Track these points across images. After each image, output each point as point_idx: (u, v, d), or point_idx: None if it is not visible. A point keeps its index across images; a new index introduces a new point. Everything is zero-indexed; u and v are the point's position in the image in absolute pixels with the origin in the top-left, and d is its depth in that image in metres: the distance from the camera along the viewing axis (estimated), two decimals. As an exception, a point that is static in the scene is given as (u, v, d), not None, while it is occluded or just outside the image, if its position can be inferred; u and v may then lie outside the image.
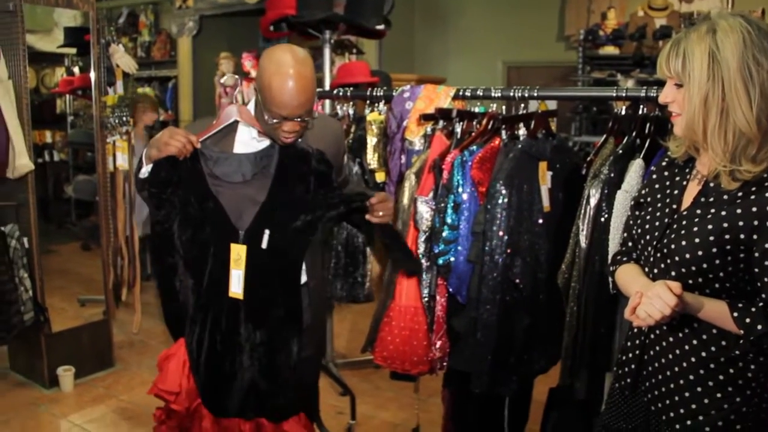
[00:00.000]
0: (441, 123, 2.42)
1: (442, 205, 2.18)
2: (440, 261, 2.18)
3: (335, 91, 2.93)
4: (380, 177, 2.75)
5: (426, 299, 2.28)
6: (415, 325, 2.29)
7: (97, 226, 4.20)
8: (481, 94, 2.43)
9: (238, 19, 7.22)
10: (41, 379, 3.84)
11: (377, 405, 3.66)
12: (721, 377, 1.57)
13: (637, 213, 1.76)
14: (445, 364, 2.31)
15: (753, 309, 1.49)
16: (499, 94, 2.38)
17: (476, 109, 2.46)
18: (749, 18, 1.49)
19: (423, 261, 2.25)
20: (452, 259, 2.18)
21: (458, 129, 2.36)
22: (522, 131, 2.30)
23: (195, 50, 7.07)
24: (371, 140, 2.73)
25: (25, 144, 3.49)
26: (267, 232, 2.00)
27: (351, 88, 2.99)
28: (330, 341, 3.90)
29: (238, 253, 2.00)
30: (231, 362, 2.05)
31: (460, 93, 2.48)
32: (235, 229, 2.00)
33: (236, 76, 3.97)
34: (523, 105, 2.38)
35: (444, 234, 2.17)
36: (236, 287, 2.01)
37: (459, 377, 2.29)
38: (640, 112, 2.19)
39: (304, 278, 2.11)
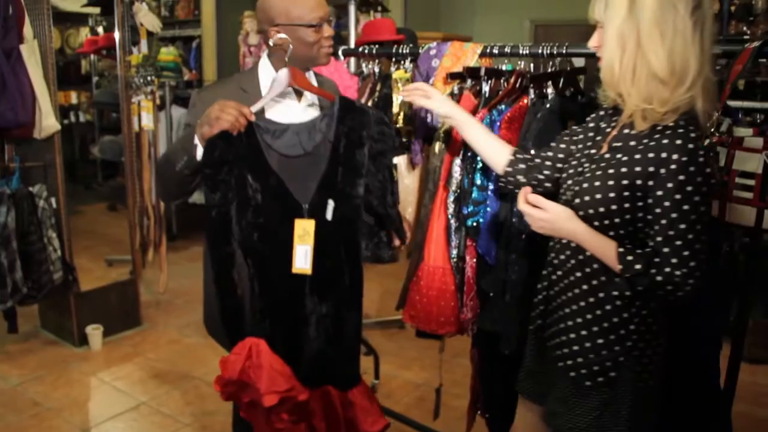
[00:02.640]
0: (469, 82, 2.38)
1: (472, 165, 2.15)
2: (469, 222, 2.16)
3: (361, 49, 2.88)
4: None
5: (455, 260, 2.26)
6: (443, 286, 2.28)
7: (123, 187, 4.23)
8: (508, 51, 2.37)
9: (262, -23, 7.13)
10: (71, 338, 3.92)
11: (401, 365, 3.69)
12: (605, 324, 1.63)
13: (565, 139, 1.83)
14: (475, 324, 2.30)
15: (639, 251, 1.53)
16: (527, 52, 2.32)
17: (504, 67, 2.41)
18: None
19: (452, 222, 2.23)
20: (481, 220, 2.15)
21: (486, 88, 2.32)
22: (550, 90, 2.25)
23: (219, 9, 7.00)
24: (397, 99, 2.69)
25: (51, 104, 3.51)
26: (331, 202, 1.90)
27: (377, 46, 2.94)
28: (354, 302, 3.90)
29: (304, 228, 1.89)
30: (298, 336, 1.97)
31: (488, 50, 2.43)
32: (298, 204, 1.90)
33: (261, 35, 3.91)
34: (551, 63, 2.33)
35: (473, 195, 2.14)
36: (302, 263, 1.90)
37: (487, 337, 2.29)
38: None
39: None
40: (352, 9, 3.60)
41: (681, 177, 1.46)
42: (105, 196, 6.06)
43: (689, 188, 1.46)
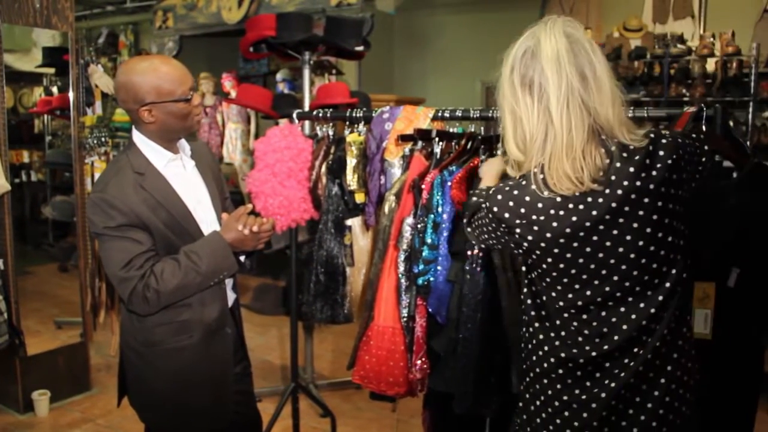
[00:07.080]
0: (420, 144, 2.43)
1: (422, 225, 2.19)
2: (420, 281, 2.18)
3: (315, 112, 2.93)
4: (360, 198, 2.75)
5: (405, 320, 2.27)
6: (392, 346, 2.28)
7: (74, 247, 4.16)
8: (459, 114, 2.45)
9: (218, 39, 7.23)
10: (15, 404, 3.78)
11: (358, 426, 3.64)
12: None
13: None
14: (426, 384, 2.30)
15: None
16: (478, 115, 2.40)
17: (454, 130, 2.48)
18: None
19: (403, 281, 2.25)
20: (432, 279, 2.18)
21: (437, 149, 2.37)
22: (500, 151, 2.31)
23: (174, 70, 7.05)
24: (351, 161, 2.73)
25: (2, 164, 3.47)
26: None
27: (330, 109, 2.99)
28: (310, 362, 3.90)
29: None
30: None
31: (439, 114, 2.50)
32: None
33: (216, 96, 3.96)
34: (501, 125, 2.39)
35: (424, 254, 2.17)
36: None
37: (439, 398, 2.28)
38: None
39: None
40: (306, 72, 3.67)
41: None
42: (56, 257, 5.94)
43: None
